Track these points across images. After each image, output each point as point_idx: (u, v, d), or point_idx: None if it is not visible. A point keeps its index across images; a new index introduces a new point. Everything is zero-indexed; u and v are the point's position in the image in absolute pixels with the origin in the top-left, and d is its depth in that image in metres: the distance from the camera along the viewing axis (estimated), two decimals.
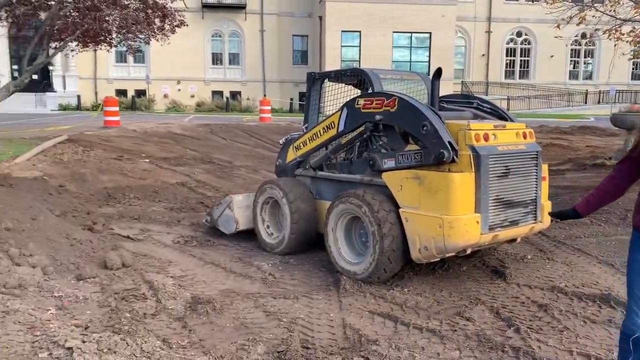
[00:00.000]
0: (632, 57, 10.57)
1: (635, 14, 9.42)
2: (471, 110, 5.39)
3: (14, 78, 27.64)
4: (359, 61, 29.94)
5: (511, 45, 35.40)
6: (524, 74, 35.67)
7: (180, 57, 31.41)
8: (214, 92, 33.75)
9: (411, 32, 30.45)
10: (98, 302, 4.16)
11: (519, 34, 35.23)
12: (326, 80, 6.21)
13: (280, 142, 6.55)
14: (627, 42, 9.79)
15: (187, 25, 14.51)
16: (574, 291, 4.45)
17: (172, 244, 6.10)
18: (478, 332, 3.68)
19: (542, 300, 4.28)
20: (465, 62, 34.88)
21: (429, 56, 30.68)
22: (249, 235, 6.22)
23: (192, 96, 32.93)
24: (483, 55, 34.78)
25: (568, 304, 4.21)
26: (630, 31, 9.87)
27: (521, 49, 35.52)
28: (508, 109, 32.03)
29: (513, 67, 35.59)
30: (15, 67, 31.24)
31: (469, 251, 4.60)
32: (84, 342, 3.15)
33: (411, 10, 29.43)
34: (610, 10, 10.68)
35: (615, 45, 10.89)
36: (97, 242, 5.73)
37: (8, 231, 5.03)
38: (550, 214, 3.60)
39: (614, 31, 10.35)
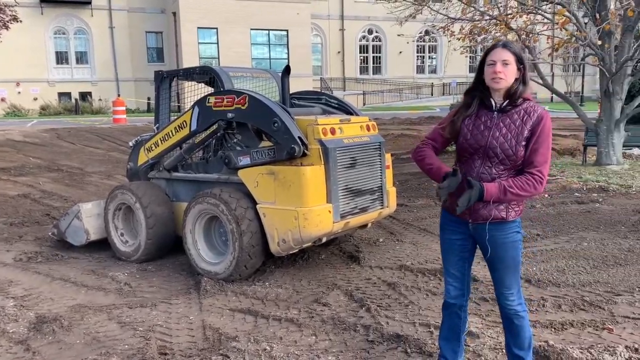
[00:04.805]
0: (462, 52, 11.72)
1: (463, 14, 10.46)
2: (320, 105, 5.62)
3: None
4: (218, 59, 29.50)
5: (364, 42, 37.23)
6: (377, 69, 37.75)
7: (18, 57, 28.46)
8: (61, 94, 31.06)
9: (269, 30, 30.64)
10: None
11: (370, 32, 37.16)
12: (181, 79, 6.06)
13: (130, 144, 6.29)
14: (457, 39, 10.85)
15: (21, 21, 13.31)
16: (419, 268, 4.86)
17: (12, 262, 5.56)
18: (333, 316, 3.87)
19: (391, 279, 4.62)
20: (323, 59, 36.00)
21: (288, 53, 31.15)
22: (103, 246, 5.88)
23: (35, 99, 29.98)
24: (339, 52, 36.16)
25: (413, 280, 4.59)
26: (460, 29, 10.95)
27: (373, 46, 37.50)
28: (364, 104, 33.85)
29: (367, 63, 37.48)
30: None
31: (324, 240, 4.81)
32: None
33: (267, 8, 29.59)
34: (443, 9, 11.74)
35: (448, 41, 12.00)
36: None
37: None
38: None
39: (446, 29, 11.41)
